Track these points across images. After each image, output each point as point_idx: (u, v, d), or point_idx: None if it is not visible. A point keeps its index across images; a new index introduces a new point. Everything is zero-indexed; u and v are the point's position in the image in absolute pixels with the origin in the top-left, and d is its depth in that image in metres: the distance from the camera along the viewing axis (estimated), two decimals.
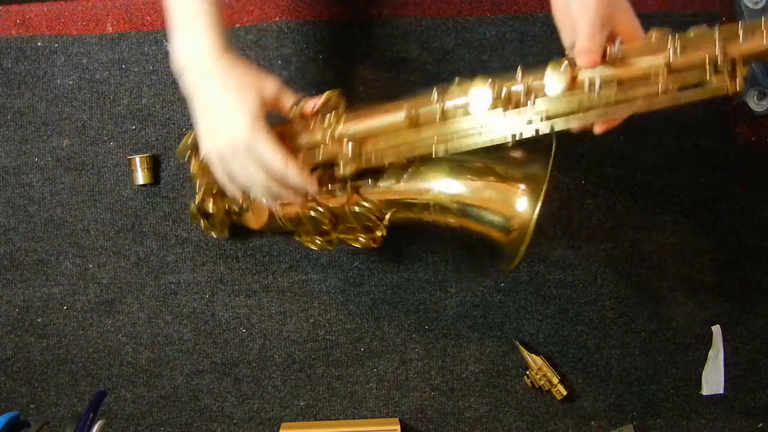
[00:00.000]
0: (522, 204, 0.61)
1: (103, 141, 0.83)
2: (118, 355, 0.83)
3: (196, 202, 0.77)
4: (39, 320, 0.83)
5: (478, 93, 0.57)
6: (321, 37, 0.83)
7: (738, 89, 0.52)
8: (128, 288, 0.83)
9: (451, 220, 0.66)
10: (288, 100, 0.63)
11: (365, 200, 0.67)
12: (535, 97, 0.56)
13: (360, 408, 0.84)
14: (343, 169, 0.63)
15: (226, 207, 0.76)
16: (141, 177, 0.81)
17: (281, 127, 0.64)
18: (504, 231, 0.63)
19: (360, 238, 0.70)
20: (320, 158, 0.64)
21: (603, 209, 0.84)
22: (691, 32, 0.54)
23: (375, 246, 0.70)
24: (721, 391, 0.84)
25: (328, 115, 0.63)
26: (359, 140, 0.62)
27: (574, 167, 0.83)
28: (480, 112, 0.57)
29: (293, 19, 0.83)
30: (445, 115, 0.59)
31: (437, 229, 0.68)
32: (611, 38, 0.55)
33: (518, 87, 0.56)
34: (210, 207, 0.76)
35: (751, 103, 0.82)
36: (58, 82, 0.82)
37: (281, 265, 0.83)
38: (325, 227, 0.70)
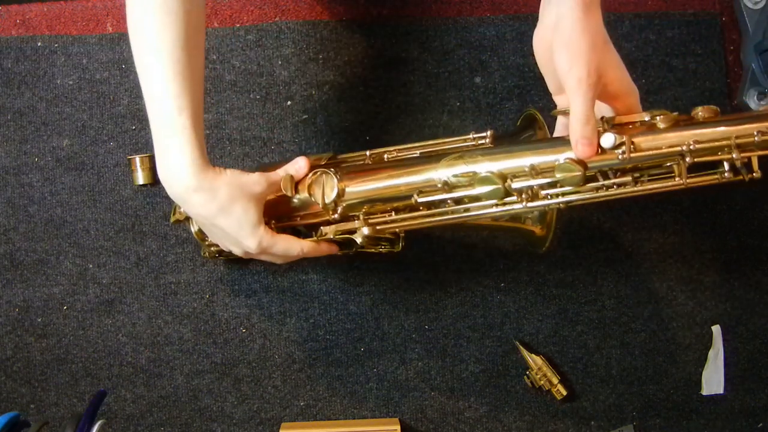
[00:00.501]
0: None
1: (103, 141, 0.83)
2: (118, 355, 0.83)
3: (205, 254, 0.77)
4: (39, 320, 0.83)
5: (487, 189, 0.57)
6: (321, 37, 0.83)
7: (756, 176, 0.54)
8: (128, 288, 0.83)
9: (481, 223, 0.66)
10: (276, 183, 0.63)
11: (380, 233, 0.66)
12: (550, 188, 0.56)
13: (360, 408, 0.84)
14: (360, 240, 0.63)
15: None
16: (141, 177, 0.81)
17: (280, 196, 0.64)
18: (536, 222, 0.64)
19: (381, 250, 0.70)
20: (333, 233, 0.64)
21: (603, 209, 0.84)
22: (699, 113, 0.54)
23: (396, 251, 0.70)
24: (721, 391, 0.84)
25: (325, 186, 0.63)
26: (369, 213, 0.63)
27: None
28: (491, 201, 0.58)
29: (293, 19, 0.83)
30: (454, 202, 0.60)
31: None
32: (604, 94, 0.55)
33: (530, 182, 0.56)
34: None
35: (751, 103, 0.82)
36: (58, 82, 0.82)
37: (281, 265, 0.83)
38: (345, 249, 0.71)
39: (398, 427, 0.81)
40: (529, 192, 0.57)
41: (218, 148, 0.82)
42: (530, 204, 0.57)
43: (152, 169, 0.82)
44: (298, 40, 0.83)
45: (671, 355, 0.85)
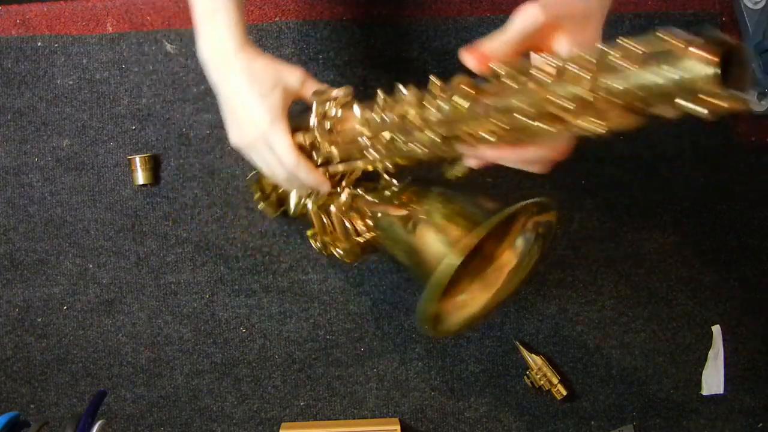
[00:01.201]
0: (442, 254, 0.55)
1: (103, 141, 0.83)
2: (118, 355, 0.83)
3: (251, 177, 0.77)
4: (39, 320, 0.83)
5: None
6: (321, 37, 0.83)
7: (599, 132, 0.42)
8: (128, 288, 0.83)
9: (400, 254, 0.63)
10: (310, 88, 0.63)
11: (356, 206, 0.66)
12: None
13: (360, 408, 0.84)
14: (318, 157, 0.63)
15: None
16: (141, 177, 0.81)
17: (301, 127, 0.63)
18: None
19: (338, 247, 0.68)
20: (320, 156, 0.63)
21: (603, 209, 0.84)
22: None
23: (347, 261, 0.68)
24: (721, 391, 0.84)
25: (330, 109, 0.62)
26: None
27: (574, 167, 0.83)
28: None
29: (293, 19, 0.83)
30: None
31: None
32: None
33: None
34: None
35: (751, 103, 0.82)
36: (58, 82, 0.82)
37: (281, 265, 0.83)
38: (324, 223, 0.70)
39: (398, 427, 0.81)
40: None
41: (218, 148, 0.82)
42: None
43: (152, 169, 0.82)
44: (298, 40, 0.83)
45: (671, 355, 0.85)
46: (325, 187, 0.64)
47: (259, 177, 0.76)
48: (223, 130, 0.82)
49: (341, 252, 0.68)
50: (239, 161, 0.83)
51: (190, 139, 0.82)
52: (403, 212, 0.61)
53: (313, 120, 0.61)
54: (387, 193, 0.64)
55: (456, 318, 0.61)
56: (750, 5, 0.83)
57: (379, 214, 0.63)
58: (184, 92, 0.82)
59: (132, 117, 0.83)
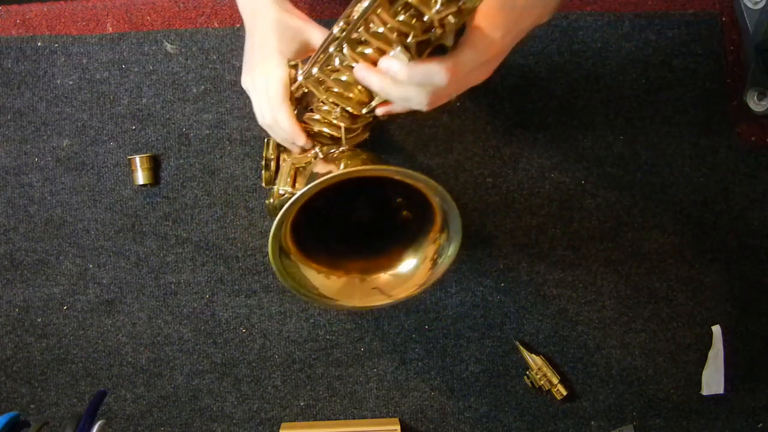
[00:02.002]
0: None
1: (103, 141, 0.83)
2: (118, 355, 0.83)
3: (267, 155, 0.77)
4: (39, 320, 0.83)
5: None
6: None
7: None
8: (128, 288, 0.83)
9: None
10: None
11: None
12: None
13: (360, 408, 0.84)
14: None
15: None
16: (141, 177, 0.81)
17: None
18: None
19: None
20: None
21: (603, 209, 0.84)
22: None
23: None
24: (721, 391, 0.84)
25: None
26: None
27: (574, 167, 0.83)
28: None
29: None
30: None
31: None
32: None
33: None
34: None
35: (751, 103, 0.82)
36: (58, 82, 0.82)
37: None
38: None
39: (398, 427, 0.81)
40: None
41: (218, 148, 0.82)
42: None
43: (152, 169, 0.82)
44: None
45: (671, 355, 0.85)
46: (301, 139, 0.64)
47: (266, 142, 0.75)
48: (223, 130, 0.83)
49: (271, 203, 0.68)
50: (239, 161, 0.83)
51: (190, 139, 0.82)
52: (330, 168, 0.62)
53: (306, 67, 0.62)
54: (332, 151, 0.65)
55: (301, 275, 0.62)
56: (750, 5, 0.83)
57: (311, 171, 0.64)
58: (184, 92, 0.82)
59: (132, 117, 0.83)
